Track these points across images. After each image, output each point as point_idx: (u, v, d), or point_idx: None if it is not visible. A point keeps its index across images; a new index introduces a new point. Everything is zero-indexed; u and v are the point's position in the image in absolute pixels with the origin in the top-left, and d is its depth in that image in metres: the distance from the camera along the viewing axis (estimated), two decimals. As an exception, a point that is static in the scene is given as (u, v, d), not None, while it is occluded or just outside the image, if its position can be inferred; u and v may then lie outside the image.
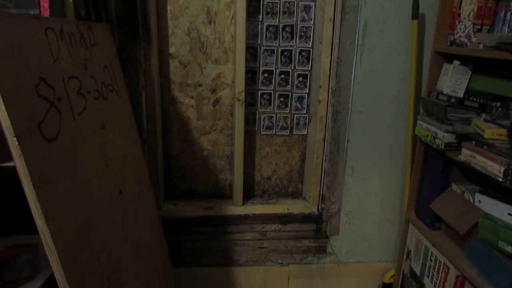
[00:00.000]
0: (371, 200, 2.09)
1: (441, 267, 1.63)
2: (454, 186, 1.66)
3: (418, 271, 1.82)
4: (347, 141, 2.00)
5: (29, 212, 0.82)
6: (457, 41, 1.59)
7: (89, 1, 1.53)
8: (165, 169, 2.08)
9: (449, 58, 1.66)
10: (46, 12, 1.23)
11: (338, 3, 1.83)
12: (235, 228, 2.08)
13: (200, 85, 2.00)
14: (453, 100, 1.56)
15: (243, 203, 2.10)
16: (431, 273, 1.71)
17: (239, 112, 1.94)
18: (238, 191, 2.07)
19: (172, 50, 1.94)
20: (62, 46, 1.06)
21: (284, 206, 2.13)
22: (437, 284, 1.65)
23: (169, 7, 1.89)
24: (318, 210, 2.13)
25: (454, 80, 1.61)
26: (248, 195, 2.18)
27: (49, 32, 1.00)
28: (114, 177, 1.24)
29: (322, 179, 2.09)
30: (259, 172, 2.19)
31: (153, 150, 1.93)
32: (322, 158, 2.06)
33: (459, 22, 1.58)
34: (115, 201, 1.22)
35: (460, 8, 1.58)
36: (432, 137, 1.62)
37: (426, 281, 1.74)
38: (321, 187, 2.10)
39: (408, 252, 1.91)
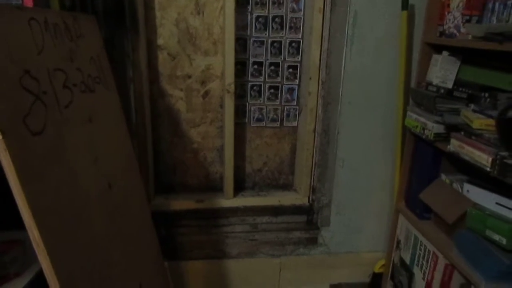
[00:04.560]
0: (361, 191, 2.11)
1: (430, 256, 1.65)
2: (443, 176, 1.68)
3: (408, 261, 1.85)
4: (338, 133, 2.01)
5: (16, 208, 0.81)
6: (446, 32, 1.60)
7: (74, -9, 1.49)
8: (155, 163, 2.07)
9: (438, 49, 1.66)
10: (29, 3, 1.20)
11: (328, -7, 1.82)
12: (226, 221, 2.08)
13: (189, 77, 1.98)
14: (442, 91, 1.57)
15: (234, 196, 2.10)
16: (420, 262, 1.73)
17: (229, 104, 1.93)
18: (229, 184, 2.07)
19: (160, 41, 1.91)
20: (47, 38, 1.03)
21: (275, 198, 2.14)
22: (427, 272, 1.68)
23: (156, -2, 1.86)
24: (309, 201, 2.15)
25: (443, 71, 1.62)
26: (239, 187, 2.18)
27: (33, 23, 0.98)
28: (103, 171, 1.23)
29: (312, 170, 2.09)
30: (250, 164, 2.19)
31: (143, 144, 1.92)
32: (313, 150, 2.06)
33: (448, 13, 1.59)
34: (104, 195, 1.21)
35: (449, -1, 1.59)
36: (421, 128, 1.63)
37: (416, 270, 1.77)
38: (312, 178, 2.11)
39: (398, 242, 1.94)
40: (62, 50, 1.11)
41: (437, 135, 1.55)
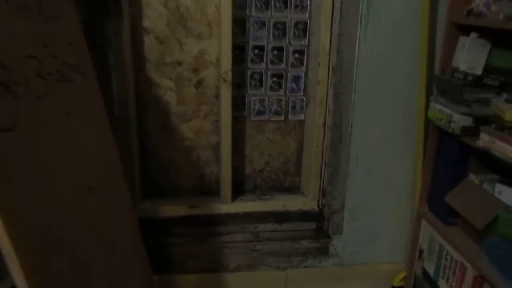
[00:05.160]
0: (378, 193, 2.12)
1: (457, 267, 1.66)
2: (472, 176, 1.68)
3: (431, 272, 1.86)
4: (351, 127, 2.01)
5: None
6: (475, 10, 1.60)
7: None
8: (142, 163, 2.08)
9: (466, 30, 1.66)
10: (-4, -20, 1.20)
11: (339, -33, 1.82)
12: (223, 229, 2.09)
13: (179, 64, 1.99)
14: (470, 78, 1.57)
15: (232, 200, 2.11)
16: (446, 274, 1.74)
17: (226, 95, 1.94)
18: (226, 187, 2.08)
19: (146, 23, 1.92)
20: (17, 20, 1.04)
21: (279, 202, 2.14)
22: (453, 286, 1.69)
23: (142, -26, 1.87)
24: (318, 206, 2.15)
25: (471, 56, 1.62)
26: (238, 190, 2.19)
27: (1, 3, 0.99)
28: (82, 172, 1.24)
29: (322, 171, 2.10)
30: (250, 164, 2.20)
31: (127, 141, 1.93)
32: (322, 147, 2.07)
33: (477, -11, 1.59)
34: (84, 200, 1.22)
35: (478, -28, 1.59)
36: (446, 121, 1.63)
37: (441, 283, 1.78)
38: (322, 180, 2.12)
39: (421, 251, 1.95)
40: (35, 34, 1.11)
41: (464, 128, 1.55)
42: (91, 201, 1.27)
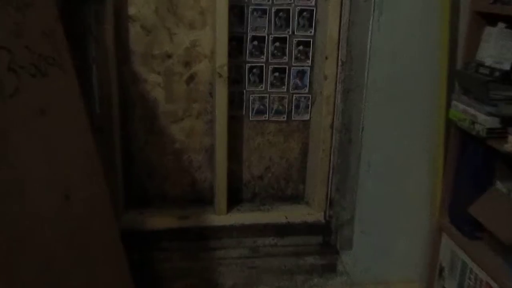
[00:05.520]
0: (393, 203, 2.12)
1: (483, 287, 1.66)
2: (499, 184, 1.68)
3: (453, 293, 1.85)
4: (362, 128, 2.01)
5: None
6: (502, -3, 1.60)
7: None
8: (126, 167, 2.08)
9: (492, 19, 1.67)
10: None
11: None
12: (218, 243, 2.08)
13: (169, 56, 1.99)
14: (497, 73, 1.57)
15: (228, 211, 2.11)
16: (469, 296, 1.74)
17: (221, 92, 1.94)
18: (221, 195, 2.07)
19: (132, 11, 1.92)
20: (-15, 6, 1.04)
21: (281, 213, 2.14)
22: (477, 309, 1.69)
23: (127, -46, 1.87)
24: (325, 218, 2.15)
25: (498, 48, 1.62)
26: (235, 199, 2.19)
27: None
28: (59, 178, 1.24)
29: (329, 177, 2.10)
30: (248, 169, 2.20)
31: (109, 143, 1.92)
32: (330, 151, 2.07)
33: (504, -27, 1.59)
34: (60, 209, 1.21)
35: (506, -46, 1.59)
36: (470, 122, 1.63)
37: (464, 305, 1.78)
38: (329, 188, 2.11)
39: (441, 269, 1.94)
40: (5, 22, 1.11)
41: (490, 130, 1.55)
42: (68, 211, 1.26)
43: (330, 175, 2.10)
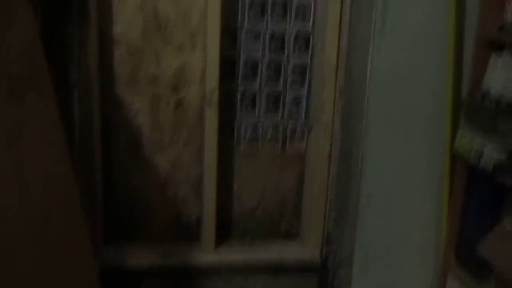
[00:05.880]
0: (395, 240, 2.11)
1: (492, 334, 1.65)
2: (508, 221, 1.69)
3: None
4: (362, 159, 2.02)
5: None
6: (509, 24, 1.64)
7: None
8: (106, 199, 2.06)
9: (498, 47, 1.70)
10: None
11: (348, -30, 1.87)
12: (205, 283, 2.06)
13: (155, 80, 2.01)
14: (504, 103, 1.60)
15: (216, 247, 2.10)
16: None
17: (211, 119, 1.95)
18: (208, 230, 2.06)
19: (117, 31, 1.94)
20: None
21: (274, 251, 2.13)
22: None
23: (113, -29, 1.91)
24: (321, 255, 2.14)
25: (505, 77, 1.64)
26: (223, 235, 2.18)
27: None
28: (33, 210, 1.23)
29: (327, 212, 2.10)
30: (239, 202, 2.19)
31: (89, 173, 1.92)
32: (327, 183, 2.08)
33: (510, 1, 1.63)
34: (33, 244, 1.20)
35: (512, -20, 1.64)
36: (476, 154, 1.65)
37: None
38: (326, 222, 2.11)
39: (447, 314, 1.93)
40: (-19, 42, 1.12)
41: (498, 164, 1.56)
42: (42, 246, 1.25)
43: (327, 209, 2.10)
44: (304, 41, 2.05)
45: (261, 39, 2.03)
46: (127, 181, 2.08)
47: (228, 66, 2.02)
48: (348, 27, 1.91)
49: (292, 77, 2.08)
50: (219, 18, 1.87)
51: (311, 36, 2.05)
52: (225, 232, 2.19)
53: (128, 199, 2.09)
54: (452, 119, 1.92)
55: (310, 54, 2.07)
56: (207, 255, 2.07)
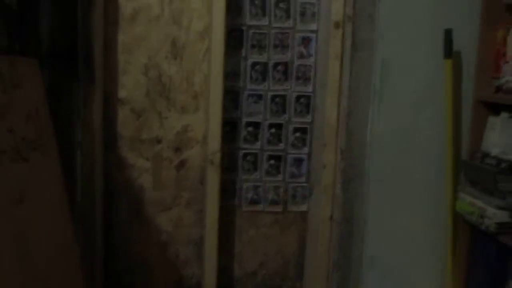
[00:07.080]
0: (400, 305, 2.07)
1: None
2: (514, 284, 1.66)
3: None
4: (364, 221, 2.01)
5: None
6: (505, 86, 1.68)
7: (12, 28, 1.58)
8: (107, 260, 2.04)
9: (495, 108, 1.73)
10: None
11: (347, 36, 1.93)
12: None
13: (159, 141, 2.03)
14: (503, 165, 1.61)
15: (217, 311, 2.06)
16: None
17: (213, 180, 1.96)
18: (209, 293, 2.03)
19: (122, 93, 1.99)
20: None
21: (276, 315, 2.09)
22: None
23: (120, 38, 1.97)
24: (325, 320, 2.09)
25: (504, 138, 1.66)
26: (225, 298, 2.14)
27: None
28: (35, 272, 1.22)
29: (329, 275, 2.07)
30: (240, 265, 2.16)
31: (90, 233, 1.90)
32: (330, 245, 2.06)
33: (505, 63, 1.68)
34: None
35: (505, 45, 1.69)
36: (479, 215, 1.64)
37: None
38: (329, 286, 2.07)
39: None
40: (-11, 104, 1.15)
41: (500, 225, 1.55)
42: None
43: (330, 272, 2.07)
44: (305, 104, 2.09)
45: (263, 102, 2.06)
46: (128, 242, 2.06)
47: (230, 127, 2.05)
48: (348, 90, 1.95)
49: (293, 138, 2.10)
50: (222, 81, 1.91)
51: (311, 98, 2.09)
52: (226, 296, 2.15)
53: (128, 260, 2.07)
54: (452, 180, 1.92)
55: (311, 116, 2.10)
56: (208, 319, 2.03)
